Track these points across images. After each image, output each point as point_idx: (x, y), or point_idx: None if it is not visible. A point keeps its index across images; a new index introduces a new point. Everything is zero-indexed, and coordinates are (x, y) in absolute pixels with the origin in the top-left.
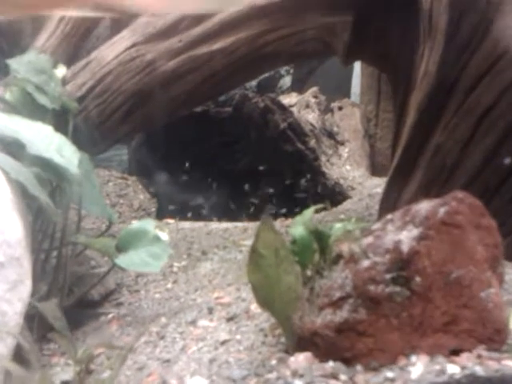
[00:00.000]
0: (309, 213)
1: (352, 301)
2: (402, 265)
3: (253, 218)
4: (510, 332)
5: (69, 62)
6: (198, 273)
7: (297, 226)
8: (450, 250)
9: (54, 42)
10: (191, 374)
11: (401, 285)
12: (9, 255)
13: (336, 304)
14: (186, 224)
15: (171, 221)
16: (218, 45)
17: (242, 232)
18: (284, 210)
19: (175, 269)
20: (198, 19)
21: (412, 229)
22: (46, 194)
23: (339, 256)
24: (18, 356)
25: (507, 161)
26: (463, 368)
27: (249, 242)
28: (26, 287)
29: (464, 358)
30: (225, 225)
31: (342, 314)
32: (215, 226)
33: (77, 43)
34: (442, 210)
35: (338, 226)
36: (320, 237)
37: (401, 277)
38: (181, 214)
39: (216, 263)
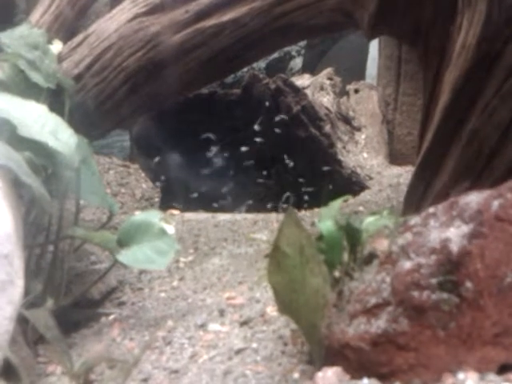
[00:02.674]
0: (336, 205)
1: (391, 309)
2: (451, 267)
3: (263, 208)
4: None
5: (65, 40)
6: (206, 269)
7: (324, 220)
8: (505, 251)
9: (49, 18)
10: None
11: (449, 291)
12: None
13: (371, 312)
14: (192, 215)
15: (176, 212)
16: (228, 16)
17: (252, 224)
18: (296, 201)
19: (181, 264)
20: None
21: (461, 225)
22: (39, 181)
23: (372, 255)
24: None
25: None
26: None
27: (259, 235)
28: (17, 288)
29: None
30: (233, 217)
31: (379, 324)
32: (223, 217)
33: (73, 19)
34: (495, 204)
35: (370, 219)
36: (350, 233)
37: (449, 281)
38: (186, 203)
39: (225, 258)
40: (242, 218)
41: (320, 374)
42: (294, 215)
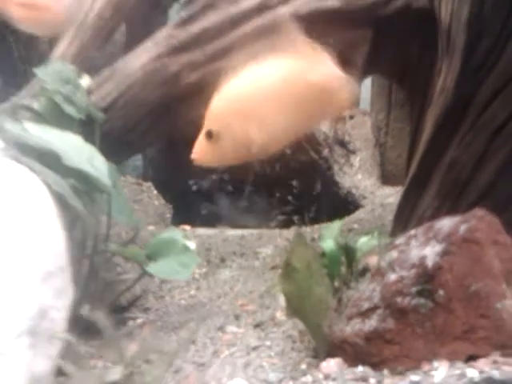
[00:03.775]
0: (336, 226)
1: (380, 311)
2: (427, 279)
3: (268, 225)
4: None
5: (87, 70)
6: (219, 279)
7: (326, 240)
8: (470, 265)
9: (73, 51)
10: (228, 376)
11: (425, 297)
12: (56, 265)
13: (364, 314)
14: (202, 231)
15: (187, 227)
16: (240, 57)
17: (257, 239)
18: (297, 219)
19: (197, 275)
20: (220, 33)
21: (435, 245)
22: (82, 204)
23: (365, 269)
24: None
25: None
26: (481, 372)
27: (265, 250)
28: (69, 295)
29: (481, 363)
30: (240, 232)
31: (371, 324)
32: (230, 233)
33: (95, 51)
34: (463, 228)
35: (363, 240)
36: (347, 251)
37: (425, 290)
38: (195, 220)
39: (235, 270)
40: (248, 233)
41: (324, 364)
42: (302, 237)
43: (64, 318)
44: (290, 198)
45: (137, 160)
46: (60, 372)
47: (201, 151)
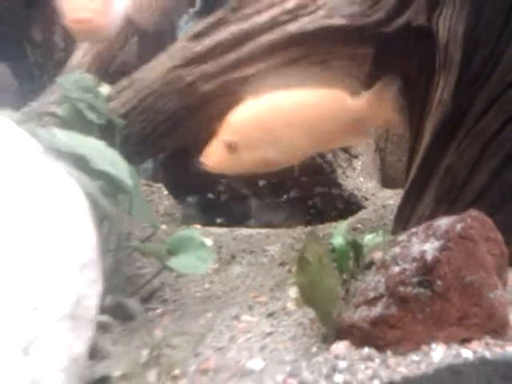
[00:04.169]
0: (343, 226)
1: (384, 300)
2: (426, 271)
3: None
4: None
5: (101, 78)
6: (231, 275)
7: (336, 237)
8: (465, 259)
9: (88, 60)
10: (246, 358)
11: (425, 287)
12: (89, 258)
13: (371, 302)
14: (213, 229)
15: (198, 226)
16: (250, 70)
17: (265, 238)
18: (303, 219)
19: (209, 271)
20: (232, 46)
21: (434, 241)
22: (109, 204)
23: (371, 263)
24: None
25: (509, 180)
26: (475, 352)
27: (272, 247)
28: (99, 285)
29: (474, 345)
30: (249, 231)
31: (377, 310)
32: (239, 231)
33: (109, 60)
34: (459, 226)
35: (369, 237)
36: (355, 247)
37: (425, 281)
38: (204, 220)
39: (245, 266)
40: (256, 232)
41: (334, 346)
42: (315, 234)
43: (95, 306)
44: (295, 200)
45: (147, 162)
46: (91, 355)
47: (217, 159)
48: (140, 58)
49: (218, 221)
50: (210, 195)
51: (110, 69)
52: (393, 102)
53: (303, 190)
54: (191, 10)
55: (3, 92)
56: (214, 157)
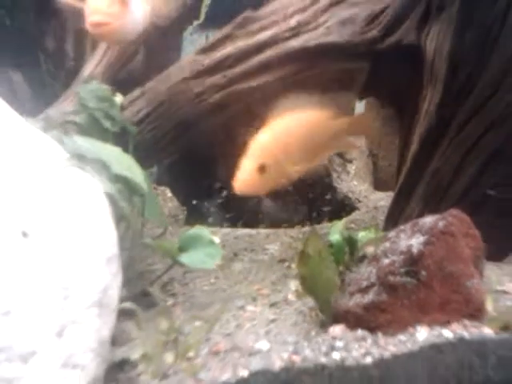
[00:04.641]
0: (340, 224)
1: (376, 288)
2: (412, 262)
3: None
4: (486, 311)
5: (112, 86)
6: (234, 270)
7: (334, 234)
8: (446, 252)
9: (100, 70)
10: (253, 341)
11: (411, 276)
12: (112, 252)
13: (364, 290)
14: (216, 229)
15: (202, 227)
16: (257, 81)
17: (265, 237)
18: (300, 219)
19: (214, 267)
20: (238, 60)
21: (419, 236)
22: (127, 205)
23: (364, 256)
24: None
25: (487, 183)
26: (454, 333)
27: (272, 246)
28: (120, 278)
29: (454, 326)
30: (249, 231)
31: (369, 297)
32: (240, 231)
33: (119, 70)
34: (441, 223)
35: (362, 234)
36: (350, 242)
37: (411, 271)
38: (206, 221)
39: (247, 263)
40: (256, 232)
41: (331, 329)
42: (315, 232)
43: (117, 296)
44: (292, 201)
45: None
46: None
47: (250, 183)
48: (146, 68)
49: (222, 223)
50: (213, 198)
51: (116, 77)
52: (368, 127)
53: (301, 193)
54: (195, 22)
55: (19, 99)
56: (247, 181)
